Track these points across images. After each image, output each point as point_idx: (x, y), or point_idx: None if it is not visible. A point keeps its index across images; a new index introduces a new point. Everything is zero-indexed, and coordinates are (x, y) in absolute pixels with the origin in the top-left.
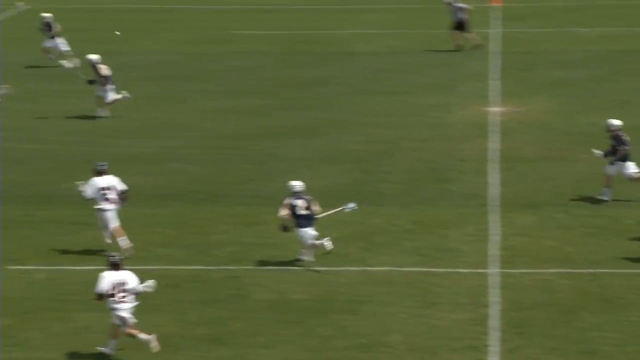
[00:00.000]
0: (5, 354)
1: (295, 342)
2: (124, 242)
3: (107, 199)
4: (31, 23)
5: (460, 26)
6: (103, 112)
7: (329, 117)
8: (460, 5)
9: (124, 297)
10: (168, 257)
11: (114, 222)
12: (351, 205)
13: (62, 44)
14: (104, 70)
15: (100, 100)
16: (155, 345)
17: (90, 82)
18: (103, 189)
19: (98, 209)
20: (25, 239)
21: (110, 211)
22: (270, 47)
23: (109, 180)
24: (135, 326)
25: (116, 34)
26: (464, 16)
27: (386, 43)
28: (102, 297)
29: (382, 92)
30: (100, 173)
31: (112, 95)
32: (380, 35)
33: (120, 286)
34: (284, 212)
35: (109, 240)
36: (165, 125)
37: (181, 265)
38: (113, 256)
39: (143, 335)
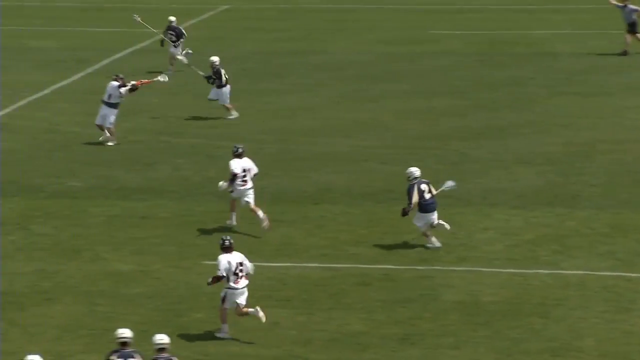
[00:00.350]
0: (198, 347)
1: (484, 344)
2: (260, 212)
3: (245, 180)
4: (232, 23)
5: (632, 28)
6: (234, 114)
7: (525, 118)
8: (635, 7)
9: (241, 277)
10: (359, 256)
11: (252, 202)
12: (450, 183)
13: (180, 47)
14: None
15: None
16: (262, 315)
17: (208, 78)
18: (242, 169)
19: (239, 188)
20: (221, 235)
21: (247, 190)
22: (468, 47)
23: (247, 163)
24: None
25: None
26: (637, 18)
27: (587, 44)
28: (220, 279)
29: (581, 93)
30: (238, 155)
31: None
32: (580, 36)
33: (238, 267)
34: (416, 199)
35: (234, 223)
36: (359, 125)
37: (372, 264)
38: (225, 239)
39: (250, 310)
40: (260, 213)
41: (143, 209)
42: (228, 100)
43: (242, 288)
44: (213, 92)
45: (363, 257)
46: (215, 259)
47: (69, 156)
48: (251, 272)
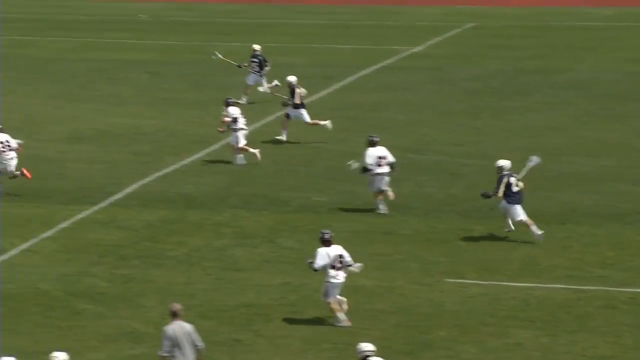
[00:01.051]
0: None
1: None
2: (382, 205)
3: (381, 165)
4: (478, 40)
5: None
6: (284, 136)
7: None
8: None
9: (339, 269)
10: (605, 278)
11: (385, 186)
12: (534, 158)
13: (260, 79)
14: (301, 93)
15: (285, 123)
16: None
17: (285, 103)
18: (379, 157)
19: (375, 174)
20: (464, 253)
21: (384, 176)
22: None
23: (382, 151)
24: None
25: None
26: None
27: None
28: (317, 271)
29: None
30: (374, 144)
31: (307, 118)
32: None
33: (338, 260)
34: (502, 190)
35: (385, 194)
36: (605, 145)
37: (619, 287)
38: (325, 233)
39: (340, 314)
40: (383, 204)
41: (386, 225)
42: (309, 118)
43: (341, 281)
44: (291, 112)
45: (610, 280)
46: (460, 276)
47: (314, 171)
48: (352, 264)
